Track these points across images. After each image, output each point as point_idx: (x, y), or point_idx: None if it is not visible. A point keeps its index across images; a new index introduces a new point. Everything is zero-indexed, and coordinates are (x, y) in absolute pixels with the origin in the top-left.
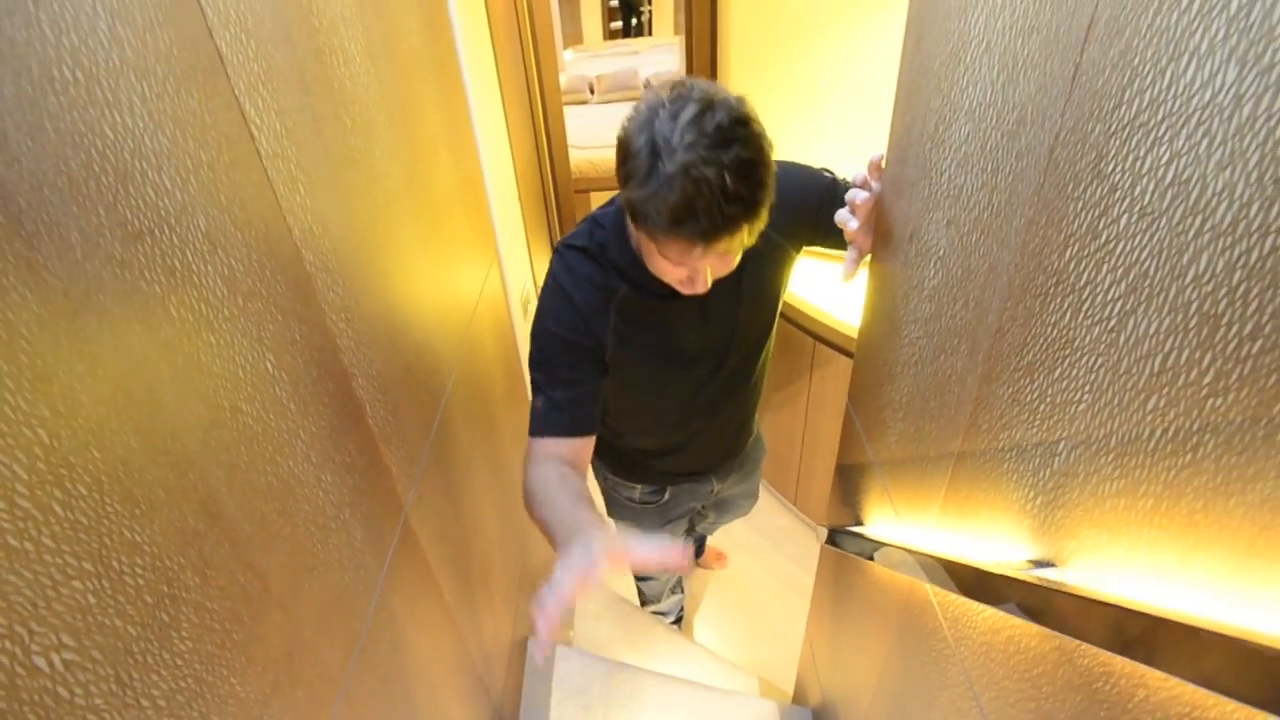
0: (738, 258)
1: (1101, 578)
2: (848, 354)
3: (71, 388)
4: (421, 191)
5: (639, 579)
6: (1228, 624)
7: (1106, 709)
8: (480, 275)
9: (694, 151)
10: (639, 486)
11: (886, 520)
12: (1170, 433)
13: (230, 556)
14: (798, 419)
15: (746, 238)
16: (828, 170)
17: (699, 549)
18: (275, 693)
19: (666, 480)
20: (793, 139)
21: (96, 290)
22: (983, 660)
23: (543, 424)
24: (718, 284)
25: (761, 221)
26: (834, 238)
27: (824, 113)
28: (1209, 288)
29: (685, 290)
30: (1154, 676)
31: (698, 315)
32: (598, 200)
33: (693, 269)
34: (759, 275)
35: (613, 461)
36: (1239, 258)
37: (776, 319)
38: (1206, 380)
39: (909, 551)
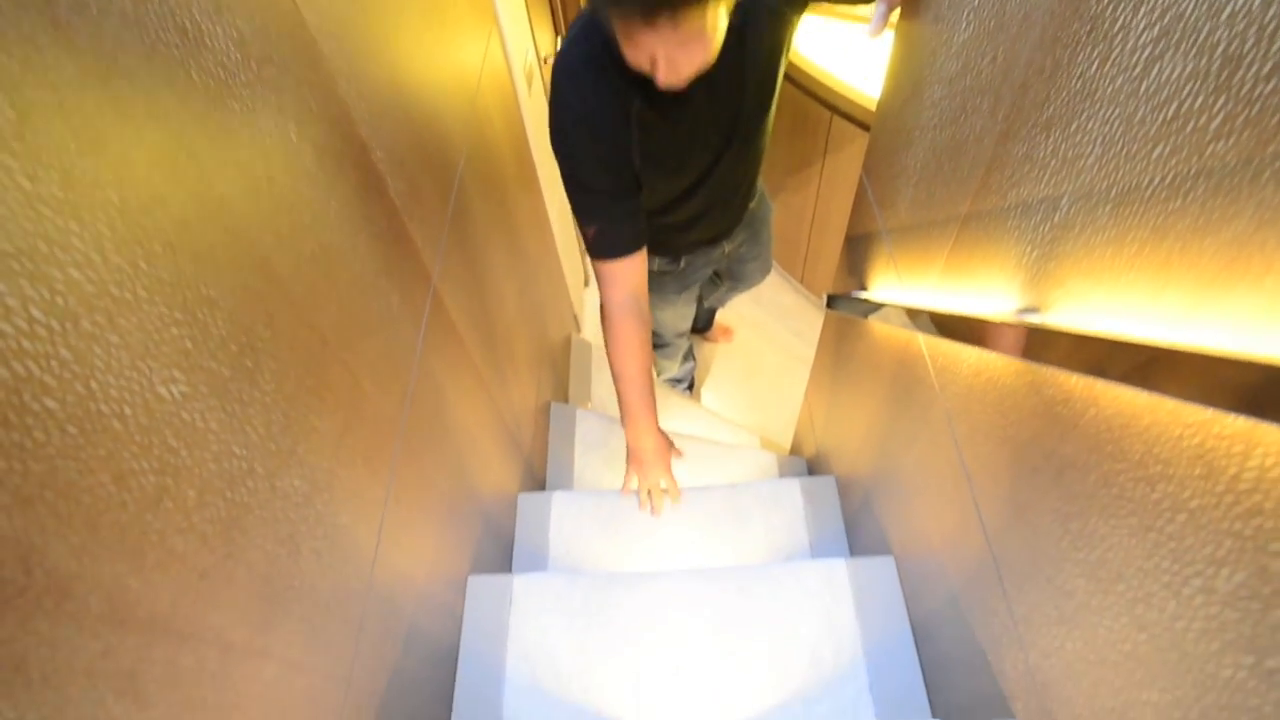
0: (709, 48)
1: (1081, 318)
2: (865, 127)
3: (124, 152)
4: None
5: (653, 346)
6: (1182, 343)
7: (1061, 428)
8: (480, 47)
9: None
10: (656, 259)
11: (890, 285)
12: (1168, 179)
13: (291, 315)
14: (809, 198)
15: (703, 21)
16: None
17: (708, 322)
18: (347, 430)
19: (682, 250)
20: None
21: (120, 52)
22: (963, 400)
23: (607, 247)
24: (724, 67)
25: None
26: None
27: None
28: (1241, 25)
29: (660, 83)
30: (1104, 398)
31: (706, 104)
32: None
33: (650, 55)
34: (760, 51)
35: None
36: None
37: (780, 81)
38: (1214, 125)
39: (907, 310)
